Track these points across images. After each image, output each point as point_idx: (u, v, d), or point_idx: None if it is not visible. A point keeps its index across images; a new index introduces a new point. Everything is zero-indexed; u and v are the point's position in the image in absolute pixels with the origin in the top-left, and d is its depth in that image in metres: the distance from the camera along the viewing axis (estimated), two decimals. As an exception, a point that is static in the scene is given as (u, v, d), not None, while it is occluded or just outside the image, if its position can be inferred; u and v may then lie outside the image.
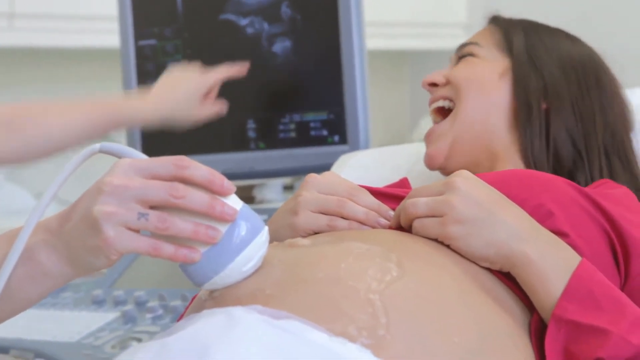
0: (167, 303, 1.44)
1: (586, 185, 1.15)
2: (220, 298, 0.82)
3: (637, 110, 1.29)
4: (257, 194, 1.86)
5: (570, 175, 1.16)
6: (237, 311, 0.77)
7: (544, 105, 1.18)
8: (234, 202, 0.80)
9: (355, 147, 1.64)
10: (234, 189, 0.80)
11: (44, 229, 0.81)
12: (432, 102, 1.25)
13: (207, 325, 0.77)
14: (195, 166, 0.78)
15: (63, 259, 0.80)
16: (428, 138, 1.23)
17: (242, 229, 0.80)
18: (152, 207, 0.77)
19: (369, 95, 1.67)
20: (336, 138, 1.67)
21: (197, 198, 0.77)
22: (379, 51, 2.83)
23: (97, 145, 0.81)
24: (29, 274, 0.81)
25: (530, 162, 1.17)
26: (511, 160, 1.18)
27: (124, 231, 0.76)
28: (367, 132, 1.65)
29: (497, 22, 1.27)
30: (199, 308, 0.84)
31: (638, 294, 0.95)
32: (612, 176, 1.17)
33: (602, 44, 1.27)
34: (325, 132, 1.68)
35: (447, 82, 1.23)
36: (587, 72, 1.21)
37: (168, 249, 0.78)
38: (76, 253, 0.79)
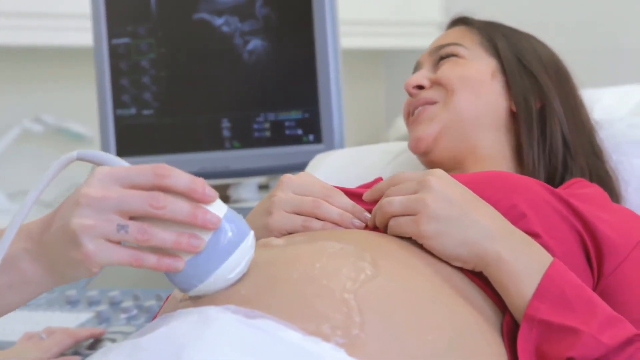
0: (141, 303, 1.43)
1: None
2: (194, 297, 0.82)
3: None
4: (232, 193, 1.86)
5: (561, 176, 1.17)
6: (211, 311, 0.77)
7: (538, 104, 1.19)
8: (218, 207, 0.78)
9: (330, 146, 1.64)
10: (216, 195, 0.78)
11: (25, 236, 0.80)
12: (415, 105, 1.21)
13: (181, 324, 0.76)
14: (175, 174, 0.76)
15: (44, 268, 0.79)
16: (417, 118, 1.20)
17: (227, 235, 0.78)
18: (133, 217, 0.76)
19: (343, 94, 1.66)
20: (311, 137, 1.67)
21: (178, 207, 0.75)
22: (354, 50, 2.83)
23: (75, 153, 0.79)
24: (10, 282, 0.80)
25: (526, 162, 1.17)
26: (500, 161, 1.18)
27: (104, 243, 0.75)
28: (342, 131, 1.65)
29: (469, 23, 1.26)
30: (173, 308, 0.84)
31: (611, 292, 0.96)
32: (592, 173, 1.18)
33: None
34: (300, 131, 1.68)
35: (434, 84, 1.21)
36: (560, 72, 1.22)
37: (150, 259, 0.76)
38: (57, 264, 0.78)
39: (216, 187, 1.92)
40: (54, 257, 0.78)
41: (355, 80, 2.97)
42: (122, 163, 0.79)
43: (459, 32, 1.25)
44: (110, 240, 0.75)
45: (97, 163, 0.80)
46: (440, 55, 1.22)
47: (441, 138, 1.17)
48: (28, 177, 2.61)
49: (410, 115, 1.22)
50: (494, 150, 1.18)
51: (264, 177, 1.91)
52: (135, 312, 1.42)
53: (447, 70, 1.20)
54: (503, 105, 1.19)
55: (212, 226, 0.76)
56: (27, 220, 0.80)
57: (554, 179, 1.17)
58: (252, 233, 0.81)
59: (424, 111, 1.19)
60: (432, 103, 1.19)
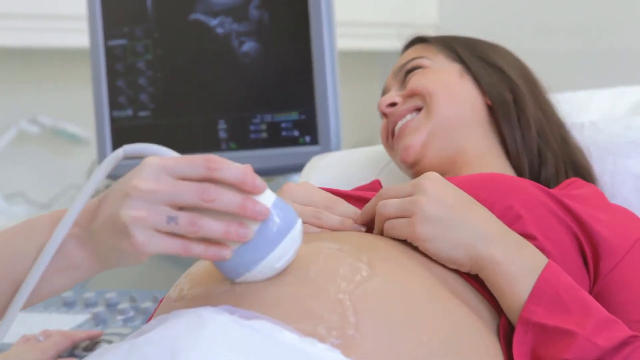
0: (138, 304, 1.43)
1: (554, 179, 1.17)
2: (190, 298, 0.82)
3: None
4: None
5: (539, 166, 1.19)
6: (207, 312, 0.77)
7: (510, 96, 1.21)
8: (267, 197, 0.78)
9: (327, 148, 1.64)
10: (266, 186, 0.78)
11: (72, 222, 0.80)
12: (397, 118, 1.23)
13: (177, 325, 0.76)
14: (226, 166, 0.76)
15: (92, 254, 0.80)
16: (402, 132, 1.21)
17: (275, 225, 0.78)
18: (182, 207, 0.76)
19: (340, 95, 1.67)
20: (307, 139, 1.67)
21: (228, 199, 0.75)
22: (350, 51, 2.83)
23: (120, 151, 0.79)
24: (57, 267, 0.80)
25: (511, 153, 1.19)
26: (490, 158, 1.19)
27: (154, 234, 0.75)
28: (338, 133, 1.65)
29: (426, 40, 1.29)
30: (169, 308, 0.84)
31: (609, 293, 0.96)
32: (567, 162, 1.20)
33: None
34: (296, 133, 1.68)
35: (407, 97, 1.22)
36: (525, 72, 1.25)
37: (198, 248, 0.76)
38: (105, 251, 0.78)
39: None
40: (102, 245, 0.78)
41: (351, 82, 2.97)
42: (171, 153, 0.78)
43: (417, 49, 1.28)
44: (159, 231, 0.75)
45: (144, 157, 0.78)
46: (406, 71, 1.25)
47: (429, 145, 1.18)
48: (24, 178, 2.62)
49: (390, 136, 1.24)
50: (481, 147, 1.20)
51: (262, 179, 1.91)
52: (131, 313, 1.42)
53: (417, 80, 1.22)
54: (479, 101, 1.21)
55: (261, 217, 0.76)
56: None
57: (534, 168, 1.19)
58: (300, 221, 0.81)
59: (408, 124, 1.20)
60: (413, 111, 1.21)
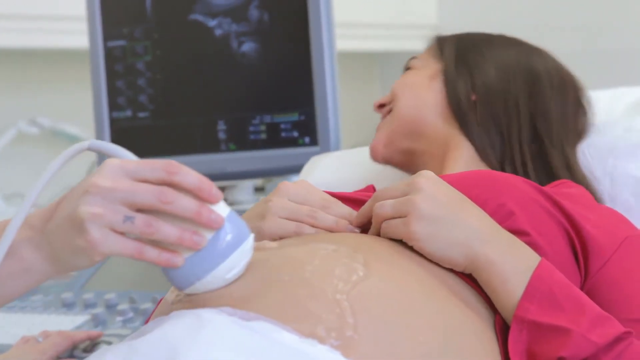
0: (137, 306, 1.43)
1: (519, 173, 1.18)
2: (188, 300, 0.82)
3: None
4: (228, 195, 1.86)
5: (502, 165, 1.21)
6: (206, 313, 0.77)
7: (473, 97, 1.23)
8: (222, 208, 0.80)
9: (326, 149, 1.64)
10: (222, 196, 0.79)
11: (26, 226, 0.80)
12: (382, 119, 1.32)
13: (176, 327, 0.76)
14: (185, 172, 0.77)
15: (46, 257, 0.80)
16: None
17: (228, 236, 0.79)
18: (139, 210, 0.77)
19: (339, 96, 1.67)
20: (307, 139, 1.67)
21: (184, 204, 0.76)
22: (349, 52, 2.83)
23: (86, 143, 0.80)
24: (10, 271, 0.80)
25: (477, 146, 1.22)
26: (460, 146, 1.22)
27: (109, 233, 0.76)
28: (337, 134, 1.66)
29: (438, 37, 1.33)
30: (167, 310, 0.84)
31: (598, 292, 0.97)
32: (548, 169, 1.20)
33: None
34: (295, 134, 1.68)
35: (392, 98, 1.29)
36: (519, 67, 1.25)
37: (152, 252, 0.77)
38: (59, 252, 0.79)
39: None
40: (57, 245, 0.78)
41: (350, 83, 2.97)
42: (132, 157, 0.80)
43: (429, 48, 1.33)
44: (115, 231, 0.76)
45: (108, 154, 0.80)
46: (404, 69, 1.33)
47: (391, 142, 1.27)
48: (23, 180, 2.61)
49: None
50: (448, 145, 1.23)
51: (259, 180, 1.91)
52: (131, 314, 1.42)
53: (395, 83, 1.30)
54: (443, 101, 1.25)
55: (215, 225, 0.78)
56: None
57: (504, 167, 1.21)
58: (252, 236, 0.82)
59: (378, 125, 1.31)
60: (387, 113, 1.30)
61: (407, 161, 1.27)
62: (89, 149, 0.81)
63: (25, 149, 2.61)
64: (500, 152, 1.21)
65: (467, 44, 1.28)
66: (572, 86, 1.28)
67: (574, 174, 1.21)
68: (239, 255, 0.80)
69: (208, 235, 0.78)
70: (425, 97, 1.25)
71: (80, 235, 0.76)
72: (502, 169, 1.21)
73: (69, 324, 1.43)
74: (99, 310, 1.43)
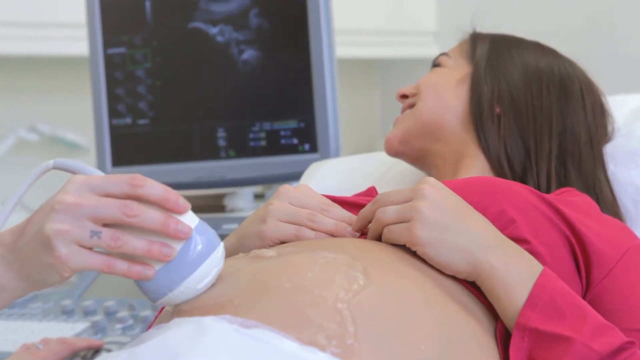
0: (137, 313, 1.43)
1: (542, 190, 1.17)
2: (188, 309, 0.82)
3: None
4: (228, 202, 1.86)
5: (522, 179, 1.19)
6: (207, 320, 0.77)
7: (497, 110, 1.21)
8: (190, 219, 0.80)
9: (326, 156, 1.64)
10: (189, 206, 0.80)
11: None
12: (402, 111, 1.30)
13: (177, 334, 0.76)
14: (149, 185, 0.78)
15: (17, 274, 0.80)
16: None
17: (197, 246, 0.80)
18: (106, 225, 0.77)
19: (339, 103, 1.67)
20: (307, 146, 1.67)
21: (150, 216, 0.77)
22: (349, 59, 2.83)
23: (51, 162, 0.82)
24: None
25: (492, 160, 1.20)
26: (475, 157, 1.21)
27: (77, 249, 0.76)
28: (337, 140, 1.66)
29: (472, 35, 1.31)
30: (168, 317, 0.84)
31: (601, 301, 0.96)
32: (564, 183, 1.19)
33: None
34: (295, 141, 1.68)
35: (416, 92, 1.27)
36: (553, 81, 1.22)
37: (121, 266, 0.78)
38: (30, 269, 0.79)
39: (212, 197, 1.92)
40: (27, 262, 0.79)
41: (350, 90, 2.97)
42: (98, 173, 0.81)
43: (459, 44, 1.31)
44: (83, 246, 0.77)
45: (73, 172, 0.81)
46: (433, 65, 1.30)
47: (407, 139, 1.26)
48: (7, 185, 2.61)
49: None
50: (467, 147, 1.22)
51: (259, 187, 1.91)
52: (131, 322, 1.42)
53: (423, 78, 1.28)
54: (466, 108, 1.23)
55: (183, 236, 0.78)
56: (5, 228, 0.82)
57: (517, 177, 1.19)
58: (221, 245, 0.82)
59: (395, 119, 1.29)
60: (408, 107, 1.28)
61: (420, 159, 1.27)
62: (55, 167, 0.82)
63: (24, 156, 2.60)
64: (522, 168, 1.19)
65: (500, 49, 1.25)
66: (602, 105, 1.27)
67: (597, 196, 1.20)
68: (209, 265, 0.80)
69: (177, 246, 0.79)
70: (448, 101, 1.24)
71: (48, 252, 0.76)
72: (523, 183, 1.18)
73: (68, 331, 1.43)
74: (99, 317, 1.43)
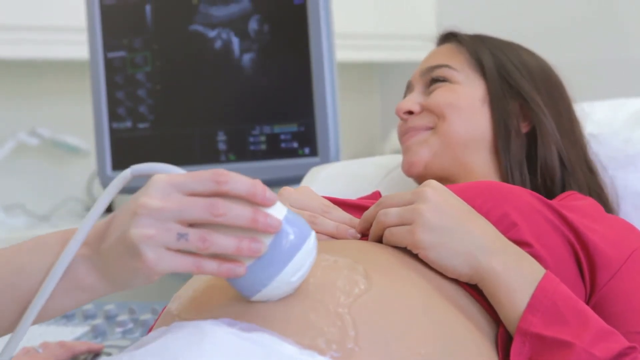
0: (137, 316, 1.43)
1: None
2: (189, 311, 0.82)
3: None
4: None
5: (562, 189, 1.17)
6: (207, 324, 0.77)
7: (524, 129, 1.20)
8: (278, 210, 0.77)
9: (326, 159, 1.64)
10: (276, 198, 0.76)
11: (81, 243, 0.79)
12: (410, 132, 1.23)
13: (176, 338, 0.76)
14: (234, 179, 0.74)
15: (103, 276, 0.78)
16: (409, 145, 1.22)
17: (288, 238, 0.76)
18: (193, 225, 0.75)
19: (339, 107, 1.67)
20: (307, 150, 1.67)
21: (238, 213, 0.74)
22: (349, 63, 2.84)
23: (128, 171, 0.78)
24: (66, 288, 0.79)
25: (512, 183, 1.17)
26: (490, 178, 1.19)
27: (164, 252, 0.74)
28: (337, 144, 1.66)
29: (457, 39, 1.27)
30: (169, 321, 0.83)
31: (606, 304, 0.96)
32: (590, 188, 1.19)
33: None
34: (295, 144, 1.68)
35: (424, 109, 1.22)
36: (552, 84, 1.22)
37: (211, 265, 0.75)
38: (116, 272, 0.77)
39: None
40: (113, 265, 0.77)
41: (350, 93, 2.97)
42: (178, 171, 0.77)
43: (448, 51, 1.26)
44: (170, 249, 0.74)
45: (152, 175, 0.77)
46: (432, 78, 1.23)
47: (432, 163, 1.20)
48: (23, 190, 2.62)
49: (401, 139, 1.25)
50: (484, 169, 1.20)
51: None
52: (130, 325, 1.42)
53: (438, 96, 1.21)
54: (491, 129, 1.20)
55: (273, 230, 0.75)
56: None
57: (545, 192, 1.18)
58: (313, 234, 0.79)
59: (416, 135, 1.21)
60: (424, 129, 1.21)
61: (436, 180, 1.20)
62: (133, 175, 0.78)
63: (25, 160, 2.61)
64: (561, 179, 1.18)
65: (501, 57, 1.22)
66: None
67: (590, 190, 1.20)
68: (302, 256, 0.77)
69: (267, 240, 0.75)
70: (477, 123, 1.19)
71: (135, 257, 0.74)
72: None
73: (68, 334, 1.43)
74: (99, 321, 1.43)
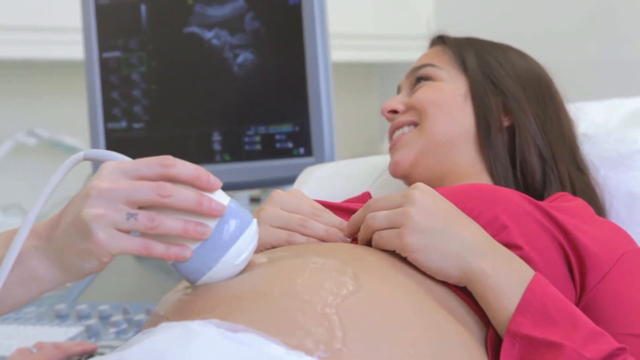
0: (131, 317, 1.43)
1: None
2: (176, 312, 0.82)
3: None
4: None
5: (541, 190, 1.17)
6: (194, 324, 0.77)
7: (506, 122, 1.20)
8: (221, 197, 0.81)
9: (321, 159, 1.64)
10: (221, 184, 0.81)
11: (33, 235, 0.82)
12: (395, 128, 1.25)
13: (164, 338, 0.76)
14: (180, 164, 0.79)
15: (55, 265, 0.81)
16: (395, 145, 1.24)
17: (232, 223, 0.81)
18: (141, 208, 0.78)
19: (337, 107, 1.67)
20: (302, 150, 1.67)
21: (184, 196, 0.78)
22: (348, 63, 2.83)
23: (81, 153, 0.82)
24: (19, 279, 0.81)
25: (497, 179, 1.18)
26: (478, 178, 1.20)
27: (115, 232, 0.77)
28: (332, 144, 1.66)
29: (444, 41, 1.28)
30: (157, 321, 0.83)
31: (595, 306, 0.96)
32: (575, 186, 1.18)
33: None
34: (290, 145, 1.68)
35: (409, 108, 1.24)
36: (541, 84, 1.22)
37: (159, 247, 0.79)
38: (68, 258, 0.80)
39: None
40: (65, 251, 0.80)
41: (349, 94, 2.97)
42: (127, 159, 0.81)
43: (434, 52, 1.28)
44: (120, 229, 0.77)
45: (103, 161, 0.82)
46: (417, 77, 1.25)
47: (418, 162, 1.21)
48: (22, 191, 2.61)
49: (389, 141, 1.27)
50: (470, 167, 1.20)
51: (256, 190, 1.91)
52: (124, 326, 1.42)
53: (421, 94, 1.22)
54: (474, 125, 1.21)
55: (217, 213, 0.79)
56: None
57: (534, 192, 1.18)
58: (255, 221, 0.83)
59: (401, 137, 1.23)
60: (410, 124, 1.23)
61: (424, 179, 1.21)
62: (85, 158, 0.83)
63: (23, 160, 2.61)
64: (542, 176, 1.18)
65: (485, 56, 1.23)
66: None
67: (575, 188, 1.20)
68: (245, 240, 0.82)
69: (212, 224, 0.79)
70: (458, 119, 1.20)
71: (86, 238, 0.77)
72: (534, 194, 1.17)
73: (62, 335, 1.43)
74: (93, 321, 1.43)
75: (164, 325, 0.80)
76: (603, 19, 2.67)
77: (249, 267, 0.86)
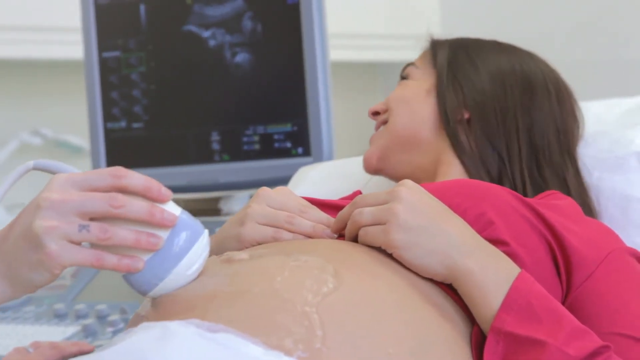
0: (128, 316, 1.43)
1: (519, 191, 1.16)
2: (156, 312, 0.82)
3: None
4: (224, 206, 1.86)
5: (499, 182, 1.18)
6: (173, 325, 0.77)
7: (466, 115, 1.21)
8: (173, 208, 0.81)
9: (319, 159, 1.64)
10: (171, 195, 0.81)
11: None
12: (375, 129, 1.30)
13: (143, 338, 0.76)
14: (131, 175, 0.79)
15: (3, 278, 0.80)
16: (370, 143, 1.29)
17: (183, 234, 0.81)
18: (93, 219, 0.78)
19: (332, 107, 1.67)
20: (300, 150, 1.67)
21: (136, 207, 0.78)
22: (352, 63, 2.83)
23: (31, 163, 0.83)
24: None
25: (470, 172, 1.19)
26: (451, 163, 1.21)
27: (66, 244, 0.77)
28: (330, 144, 1.66)
29: (432, 43, 1.30)
30: (137, 322, 0.83)
31: (581, 305, 0.96)
32: (540, 182, 1.18)
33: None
34: (289, 144, 1.68)
35: (387, 108, 1.27)
36: (515, 79, 1.22)
37: (111, 259, 0.78)
38: (17, 272, 0.79)
39: (207, 200, 1.92)
40: (14, 263, 0.79)
41: (352, 94, 2.97)
42: (77, 171, 0.82)
43: (424, 53, 1.30)
44: (72, 241, 0.77)
45: (53, 172, 0.82)
46: (401, 77, 1.30)
47: (386, 157, 1.25)
48: (26, 190, 2.62)
49: None
50: (446, 159, 1.21)
51: (254, 190, 1.91)
52: (122, 325, 1.42)
53: (392, 93, 1.27)
54: (436, 117, 1.23)
55: (169, 224, 0.79)
56: None
57: (499, 182, 1.18)
58: (206, 232, 0.84)
59: (373, 136, 1.28)
60: (383, 123, 1.27)
61: (399, 173, 1.25)
62: (35, 168, 0.83)
63: (27, 160, 2.61)
64: (498, 171, 1.19)
65: (459, 53, 1.25)
66: (568, 95, 1.26)
67: (569, 188, 1.20)
68: (197, 251, 0.82)
69: (163, 235, 0.80)
70: (420, 113, 1.23)
71: (37, 250, 0.76)
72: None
73: (59, 335, 1.43)
74: (90, 321, 1.43)
75: (143, 325, 0.80)
76: (603, 19, 2.66)
77: (229, 264, 0.86)
